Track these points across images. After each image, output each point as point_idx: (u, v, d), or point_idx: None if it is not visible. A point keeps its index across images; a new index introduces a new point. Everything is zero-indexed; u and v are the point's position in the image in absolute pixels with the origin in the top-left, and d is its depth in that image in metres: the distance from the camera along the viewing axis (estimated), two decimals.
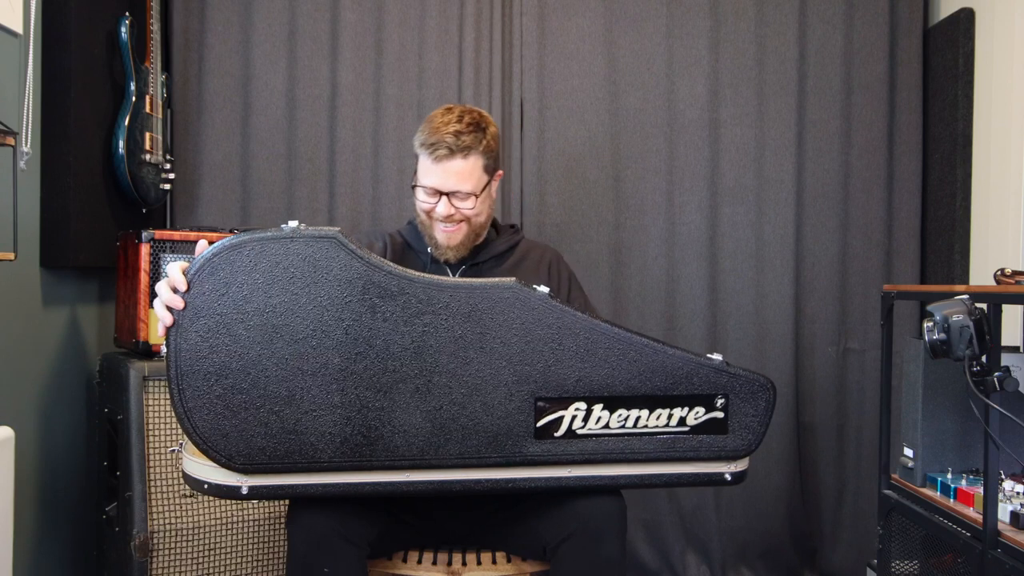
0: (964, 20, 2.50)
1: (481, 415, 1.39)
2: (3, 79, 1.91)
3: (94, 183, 2.19)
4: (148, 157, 2.34)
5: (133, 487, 1.99)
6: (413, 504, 1.65)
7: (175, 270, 1.32)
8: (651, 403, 1.43)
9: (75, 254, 2.10)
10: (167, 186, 2.44)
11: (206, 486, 1.40)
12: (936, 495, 1.82)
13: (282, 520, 2.13)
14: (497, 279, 1.40)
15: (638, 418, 1.43)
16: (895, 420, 2.01)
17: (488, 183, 1.79)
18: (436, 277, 1.38)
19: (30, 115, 2.00)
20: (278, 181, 2.65)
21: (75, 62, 2.08)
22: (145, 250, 2.09)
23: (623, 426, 1.43)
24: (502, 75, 2.70)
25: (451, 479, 1.41)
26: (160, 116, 2.39)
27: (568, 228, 2.71)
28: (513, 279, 1.40)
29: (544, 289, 1.41)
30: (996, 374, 1.47)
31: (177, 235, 2.15)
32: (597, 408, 1.42)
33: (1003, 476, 1.72)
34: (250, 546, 2.12)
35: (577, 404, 1.41)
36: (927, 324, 1.52)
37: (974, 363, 1.49)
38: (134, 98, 2.28)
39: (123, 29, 2.24)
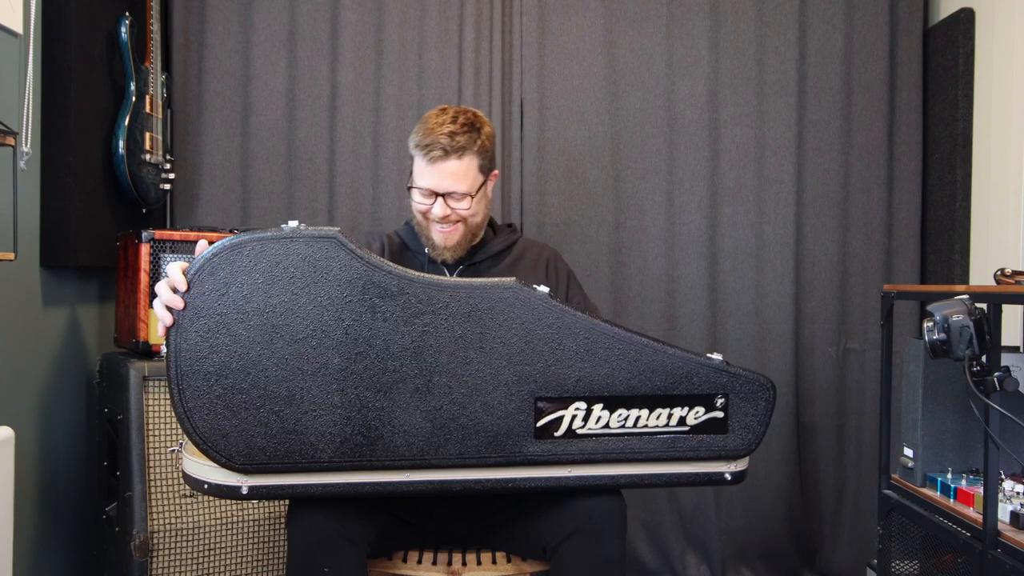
0: (964, 20, 2.50)
1: (481, 415, 1.39)
2: (3, 79, 1.91)
3: (94, 183, 2.19)
4: (148, 157, 2.34)
5: (133, 487, 1.99)
6: (413, 504, 1.65)
7: (175, 270, 1.32)
8: (651, 403, 1.43)
9: (75, 254, 2.10)
10: (167, 186, 2.44)
11: (206, 486, 1.40)
12: (936, 495, 1.82)
13: (282, 520, 2.13)
14: (497, 279, 1.40)
15: (638, 418, 1.43)
16: (895, 420, 2.01)
17: (484, 183, 1.79)
18: (436, 277, 1.38)
19: (30, 115, 2.00)
20: (278, 181, 2.65)
21: (75, 62, 2.08)
22: (145, 250, 2.09)
23: (623, 426, 1.43)
24: (502, 75, 2.70)
25: (451, 479, 1.41)
26: (160, 116, 2.39)
27: (568, 228, 2.71)
28: (513, 279, 1.40)
29: (544, 289, 1.41)
30: (996, 374, 1.47)
31: (177, 235, 2.15)
32: (597, 408, 1.42)
33: (1003, 476, 1.72)
34: (250, 546, 2.12)
35: (577, 404, 1.41)
36: (927, 324, 1.52)
37: (974, 363, 1.49)
38: (134, 98, 2.28)
39: (123, 29, 2.24)
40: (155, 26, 2.39)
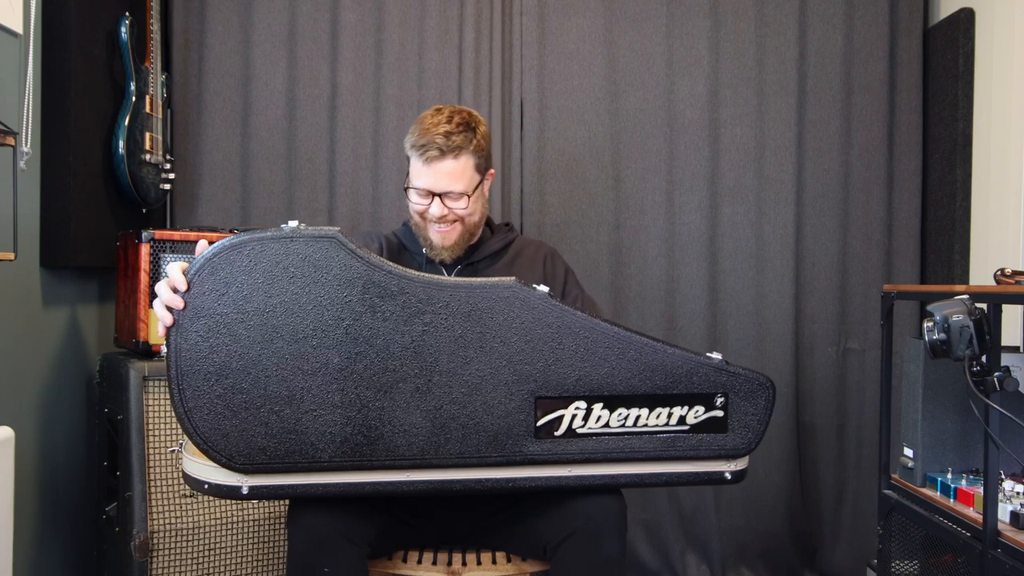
0: (964, 20, 2.50)
1: (481, 414, 1.39)
2: (3, 79, 1.91)
3: (94, 183, 2.19)
4: (148, 157, 2.34)
5: (133, 487, 1.99)
6: (413, 504, 1.65)
7: (175, 270, 1.32)
8: (651, 402, 1.43)
9: (75, 254, 2.10)
10: (167, 186, 2.44)
11: (206, 486, 1.40)
12: (936, 495, 1.82)
13: (282, 520, 2.13)
14: (497, 279, 1.40)
15: (638, 417, 1.43)
16: (895, 420, 2.01)
17: (480, 182, 1.79)
18: (436, 277, 1.38)
19: (30, 115, 2.00)
20: (278, 181, 2.65)
21: (75, 62, 2.08)
22: (145, 250, 2.09)
23: (623, 425, 1.43)
24: (502, 75, 2.70)
25: (451, 479, 1.41)
26: (160, 116, 2.40)
27: (568, 228, 2.71)
28: (513, 279, 1.40)
29: (544, 288, 1.41)
30: (996, 374, 1.47)
31: (177, 235, 2.15)
32: (597, 407, 1.42)
33: (1003, 476, 1.72)
34: (250, 546, 2.12)
35: (577, 403, 1.41)
36: (927, 324, 1.52)
37: (974, 363, 1.49)
38: (134, 98, 2.28)
39: (123, 29, 2.24)
40: (155, 26, 2.39)
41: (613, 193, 2.72)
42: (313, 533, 1.47)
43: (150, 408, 2.04)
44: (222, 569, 2.08)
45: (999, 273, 1.77)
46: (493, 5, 2.68)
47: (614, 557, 1.51)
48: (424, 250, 1.82)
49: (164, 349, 1.33)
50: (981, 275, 2.43)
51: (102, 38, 2.23)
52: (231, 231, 1.78)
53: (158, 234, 2.12)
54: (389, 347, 1.35)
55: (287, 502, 1.62)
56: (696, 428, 1.45)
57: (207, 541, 2.06)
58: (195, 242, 1.62)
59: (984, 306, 1.54)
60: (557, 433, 1.41)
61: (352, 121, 2.65)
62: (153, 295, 1.36)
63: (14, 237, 1.73)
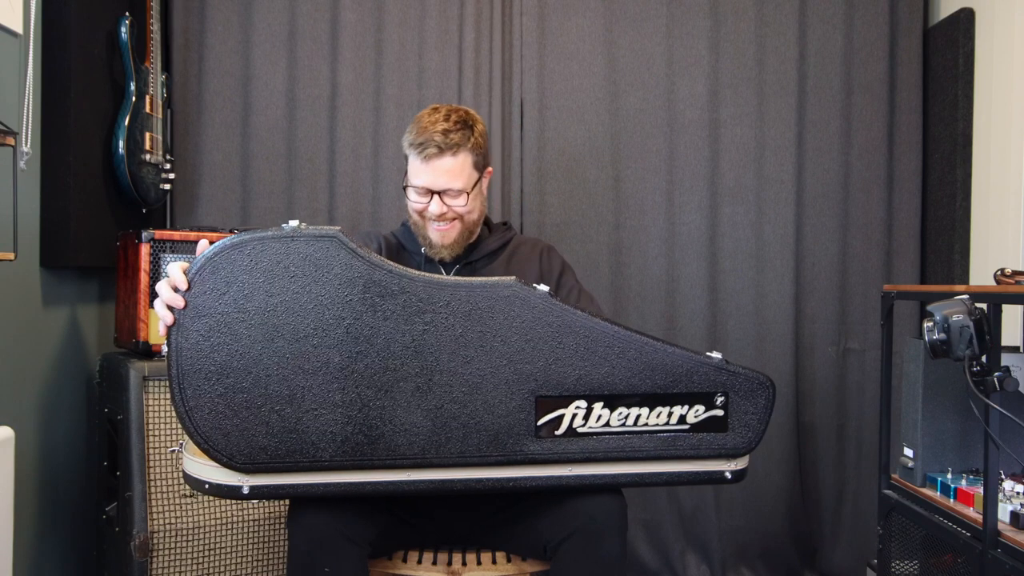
0: (964, 20, 2.50)
1: (482, 413, 1.39)
2: (3, 79, 1.91)
3: (94, 183, 2.19)
4: (148, 157, 2.34)
5: (133, 487, 1.99)
6: (414, 503, 1.65)
7: (176, 269, 1.32)
8: (651, 401, 1.43)
9: (75, 254, 2.10)
10: (167, 186, 2.44)
11: (207, 486, 1.40)
12: (936, 495, 1.82)
13: (282, 520, 2.13)
14: (497, 278, 1.40)
15: (638, 416, 1.43)
16: (895, 420, 2.01)
17: (478, 180, 1.80)
18: (437, 276, 1.38)
19: (30, 115, 2.00)
20: (278, 181, 2.65)
21: (75, 62, 2.08)
22: (145, 250, 2.09)
23: (623, 424, 1.43)
24: (502, 75, 2.70)
25: (452, 478, 1.41)
26: (160, 116, 2.40)
27: (568, 228, 2.71)
28: (513, 278, 1.40)
29: (544, 288, 1.41)
30: (996, 374, 1.47)
31: (177, 235, 2.15)
32: (597, 406, 1.42)
33: (1003, 476, 1.72)
34: (250, 546, 2.12)
35: (577, 402, 1.41)
36: (927, 324, 1.52)
37: (974, 363, 1.49)
38: (134, 98, 2.28)
39: (123, 29, 2.24)
40: (155, 26, 2.39)
41: (613, 193, 2.72)
42: (314, 533, 1.47)
43: (150, 408, 2.04)
44: (222, 569, 2.08)
45: (999, 273, 1.77)
46: (493, 5, 2.69)
47: (614, 557, 1.51)
48: (423, 249, 1.83)
49: (165, 348, 1.33)
50: (981, 275, 2.43)
51: (102, 38, 2.23)
52: (231, 231, 1.78)
53: (158, 234, 2.12)
54: (390, 346, 1.35)
55: (287, 502, 1.62)
56: (696, 427, 1.45)
57: (207, 541, 2.06)
58: (195, 242, 1.62)
59: (984, 306, 1.54)
60: (558, 432, 1.41)
61: (352, 121, 2.65)
62: (153, 295, 1.36)
63: (14, 237, 1.73)
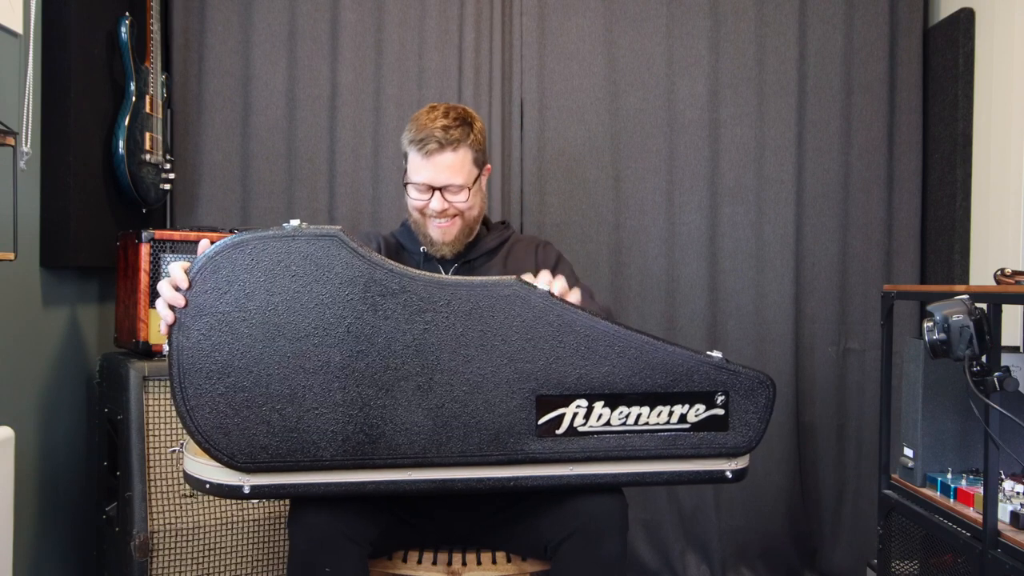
0: (964, 20, 2.50)
1: (483, 413, 1.39)
2: (3, 79, 1.91)
3: (94, 183, 2.19)
4: (148, 157, 2.34)
5: (133, 487, 1.99)
6: (414, 503, 1.65)
7: (177, 269, 1.32)
8: (652, 400, 1.43)
9: (75, 254, 2.10)
10: (167, 186, 2.44)
11: (208, 486, 1.39)
12: (936, 495, 1.82)
13: (282, 520, 2.13)
14: (498, 277, 1.40)
15: (639, 415, 1.43)
16: (895, 420, 2.01)
17: (478, 176, 1.81)
18: (437, 275, 1.38)
19: (30, 115, 2.00)
20: (278, 181, 2.65)
21: (75, 62, 2.08)
22: (145, 250, 2.09)
23: (624, 423, 1.43)
24: (502, 75, 2.70)
25: (453, 477, 1.41)
26: (160, 116, 2.40)
27: (568, 228, 2.71)
28: (514, 277, 1.41)
29: (544, 287, 1.41)
30: (996, 374, 1.47)
31: (177, 235, 2.15)
32: (598, 405, 1.42)
33: (1003, 476, 1.72)
34: (250, 546, 2.11)
35: (578, 401, 1.41)
36: (927, 324, 1.52)
37: (974, 363, 1.49)
38: (134, 98, 2.28)
39: (123, 29, 2.24)
40: (155, 26, 2.39)
41: (613, 193, 2.72)
42: (314, 532, 1.47)
43: (150, 408, 2.04)
44: (222, 569, 2.08)
45: (999, 273, 1.77)
46: (493, 5, 2.69)
47: (615, 557, 1.50)
48: (422, 248, 1.83)
49: (166, 347, 1.33)
50: (981, 275, 2.43)
51: (102, 38, 2.23)
52: (231, 231, 1.78)
53: (158, 234, 2.12)
54: (390, 345, 1.35)
55: (287, 501, 1.61)
56: (697, 426, 1.45)
57: (207, 541, 2.06)
58: (195, 242, 1.62)
59: (984, 306, 1.54)
60: (558, 431, 1.41)
61: (352, 121, 2.65)
62: (153, 295, 1.36)
63: (14, 237, 1.73)
